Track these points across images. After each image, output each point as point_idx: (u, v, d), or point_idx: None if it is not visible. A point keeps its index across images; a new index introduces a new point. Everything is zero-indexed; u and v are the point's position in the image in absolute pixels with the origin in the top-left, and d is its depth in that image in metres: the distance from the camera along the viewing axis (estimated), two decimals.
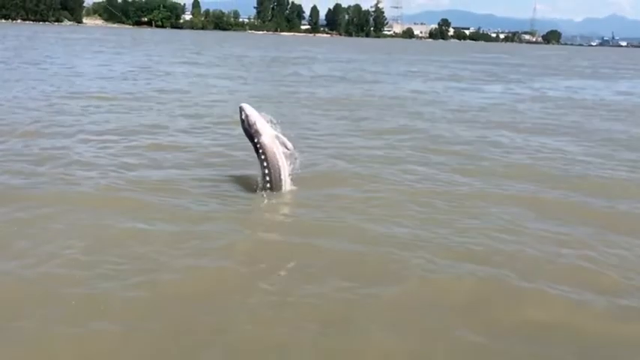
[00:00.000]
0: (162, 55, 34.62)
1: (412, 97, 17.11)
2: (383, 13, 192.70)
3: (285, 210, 5.92)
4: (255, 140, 6.07)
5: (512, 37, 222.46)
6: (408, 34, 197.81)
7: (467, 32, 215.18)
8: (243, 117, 6.14)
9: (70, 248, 4.56)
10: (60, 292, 3.88)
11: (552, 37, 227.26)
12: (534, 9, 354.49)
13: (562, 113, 14.59)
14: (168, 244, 4.73)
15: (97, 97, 13.46)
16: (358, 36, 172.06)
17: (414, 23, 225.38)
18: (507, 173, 7.69)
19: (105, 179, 6.53)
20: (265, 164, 6.06)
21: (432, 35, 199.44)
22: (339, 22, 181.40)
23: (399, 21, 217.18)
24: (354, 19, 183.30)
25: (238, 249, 4.85)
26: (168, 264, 4.39)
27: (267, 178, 6.07)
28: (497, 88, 22.07)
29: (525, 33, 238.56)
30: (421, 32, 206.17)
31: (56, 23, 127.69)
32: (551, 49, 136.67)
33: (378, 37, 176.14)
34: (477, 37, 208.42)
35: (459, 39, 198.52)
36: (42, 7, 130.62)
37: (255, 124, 6.06)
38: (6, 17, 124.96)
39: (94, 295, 3.86)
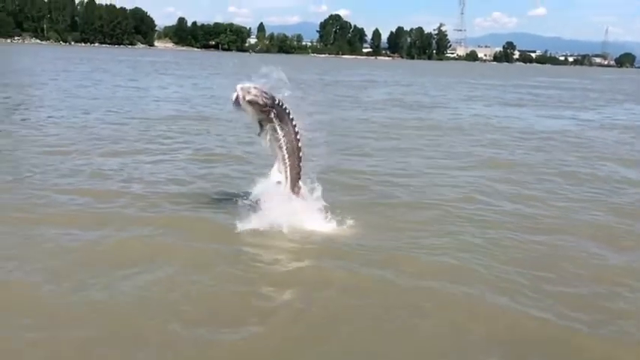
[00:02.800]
0: (228, 78, 35.57)
1: (472, 123, 16.67)
2: (446, 35, 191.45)
3: (344, 241, 5.60)
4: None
5: (582, 60, 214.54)
6: (472, 56, 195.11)
7: (533, 55, 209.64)
8: (257, 95, 5.28)
9: (118, 277, 4.61)
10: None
11: (626, 60, 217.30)
12: (606, 31, 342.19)
13: (634, 142, 13.76)
14: (217, 275, 4.70)
15: (162, 119, 13.93)
16: (420, 59, 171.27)
17: (478, 46, 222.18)
18: (572, 207, 7.25)
19: (162, 200, 6.65)
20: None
21: (497, 58, 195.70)
22: (401, 45, 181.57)
23: (462, 44, 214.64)
24: (417, 42, 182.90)
25: (295, 280, 4.76)
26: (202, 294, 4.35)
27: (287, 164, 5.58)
28: (565, 113, 21.17)
29: (596, 56, 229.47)
30: (485, 55, 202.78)
31: (130, 46, 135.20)
32: (625, 72, 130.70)
33: (441, 59, 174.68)
34: (543, 60, 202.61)
35: (525, 62, 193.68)
36: (117, 31, 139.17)
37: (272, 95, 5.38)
38: (85, 41, 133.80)
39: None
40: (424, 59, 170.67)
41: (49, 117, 13.37)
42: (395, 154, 10.69)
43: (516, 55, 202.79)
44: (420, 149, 11.47)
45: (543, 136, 14.24)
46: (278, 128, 5.47)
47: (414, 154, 10.79)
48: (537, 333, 3.97)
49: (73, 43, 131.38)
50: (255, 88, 5.32)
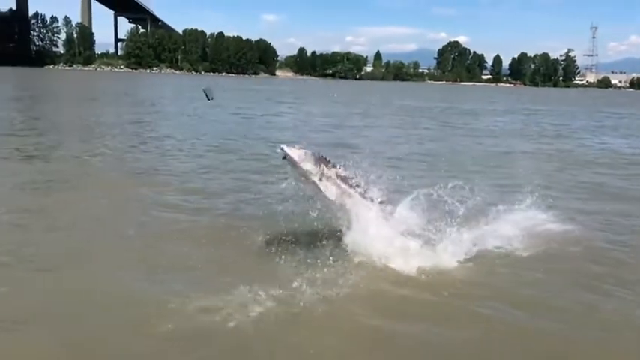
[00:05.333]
0: (349, 107, 35.64)
1: (600, 155, 15.36)
2: (574, 61, 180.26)
3: (458, 279, 5.39)
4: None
5: None
6: (604, 83, 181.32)
7: None
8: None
9: (232, 303, 4.78)
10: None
11: None
12: None
13: None
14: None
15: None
16: (545, 86, 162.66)
17: (612, 72, 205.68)
18: None
19: (276, 229, 6.83)
20: None
21: (634, 84, 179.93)
22: (524, 72, 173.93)
23: (592, 69, 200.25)
24: (541, 69, 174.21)
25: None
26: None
27: None
28: None
29: None
30: (620, 81, 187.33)
31: (253, 75, 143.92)
32: None
33: (567, 86, 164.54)
34: None
35: None
36: (243, 61, 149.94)
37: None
38: (214, 70, 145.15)
39: None
40: (549, 86, 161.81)
41: (179, 141, 14.51)
42: (509, 188, 10.09)
43: None
44: (540, 183, 10.72)
45: None
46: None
47: (531, 188, 10.11)
48: None
49: (203, 72, 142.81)
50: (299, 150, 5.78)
